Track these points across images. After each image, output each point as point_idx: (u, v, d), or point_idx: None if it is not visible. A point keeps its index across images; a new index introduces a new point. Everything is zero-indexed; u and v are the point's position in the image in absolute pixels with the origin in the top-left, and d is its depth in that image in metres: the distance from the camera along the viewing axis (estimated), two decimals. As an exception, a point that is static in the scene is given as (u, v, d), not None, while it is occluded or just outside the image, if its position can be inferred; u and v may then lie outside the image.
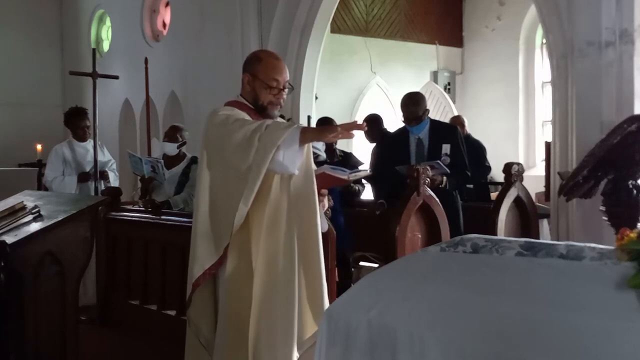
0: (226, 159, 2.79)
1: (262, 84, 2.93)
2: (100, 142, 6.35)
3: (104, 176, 6.09)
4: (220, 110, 2.92)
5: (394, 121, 8.02)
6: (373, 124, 5.77)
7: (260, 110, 2.95)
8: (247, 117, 2.87)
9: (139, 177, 5.66)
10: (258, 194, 2.73)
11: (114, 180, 6.18)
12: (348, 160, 5.51)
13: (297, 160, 2.72)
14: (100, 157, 6.12)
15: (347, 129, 2.68)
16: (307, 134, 2.71)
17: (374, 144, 6.02)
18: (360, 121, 5.84)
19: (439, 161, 4.56)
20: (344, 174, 2.96)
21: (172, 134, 5.57)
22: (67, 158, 6.08)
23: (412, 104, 4.76)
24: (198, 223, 2.89)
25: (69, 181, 5.97)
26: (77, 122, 6.13)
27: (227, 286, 2.82)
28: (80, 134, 6.13)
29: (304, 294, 2.83)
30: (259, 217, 2.79)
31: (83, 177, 6.02)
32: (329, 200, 3.24)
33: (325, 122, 5.61)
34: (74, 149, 6.12)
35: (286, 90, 2.98)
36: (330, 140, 2.93)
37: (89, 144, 6.16)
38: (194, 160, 5.49)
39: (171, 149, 5.51)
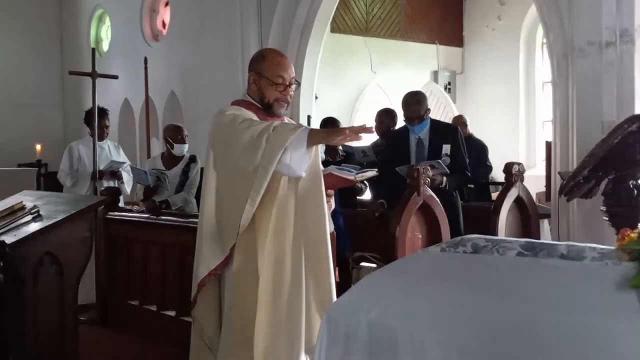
0: (233, 160, 2.79)
1: (268, 82, 2.92)
2: (117, 142, 6.66)
3: (117, 176, 6.19)
4: (228, 110, 2.91)
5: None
6: (388, 118, 5.77)
7: (267, 108, 2.94)
8: (255, 117, 2.87)
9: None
10: (265, 195, 2.73)
11: (127, 181, 6.27)
12: (351, 160, 5.50)
13: (305, 162, 2.72)
14: (115, 158, 6.34)
15: (356, 132, 2.68)
16: (315, 136, 2.71)
17: (373, 141, 6.00)
18: (374, 114, 5.88)
19: (439, 161, 4.54)
20: (350, 174, 2.94)
21: (181, 135, 5.59)
22: (82, 155, 6.26)
23: (414, 102, 4.74)
24: (204, 223, 2.88)
25: (82, 181, 6.16)
26: (97, 121, 6.24)
27: (232, 287, 2.82)
28: (99, 133, 6.26)
29: (312, 298, 2.81)
30: (266, 218, 2.78)
31: (96, 175, 6.14)
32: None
33: (330, 122, 5.59)
34: (90, 146, 6.22)
35: (293, 86, 2.97)
36: (338, 143, 2.93)
37: (105, 143, 6.39)
38: (192, 159, 5.56)
39: (182, 150, 5.58)
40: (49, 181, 8.85)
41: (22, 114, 11.02)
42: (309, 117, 7.30)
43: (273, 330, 2.76)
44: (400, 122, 5.34)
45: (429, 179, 4.29)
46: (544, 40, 9.11)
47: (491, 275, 1.93)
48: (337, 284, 3.39)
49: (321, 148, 4.66)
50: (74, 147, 6.38)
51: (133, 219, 5.21)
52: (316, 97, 7.91)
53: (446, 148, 4.66)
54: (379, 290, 2.08)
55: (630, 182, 3.28)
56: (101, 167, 6.18)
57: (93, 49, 6.94)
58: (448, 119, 7.99)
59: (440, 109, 9.96)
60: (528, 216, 5.15)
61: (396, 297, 2.01)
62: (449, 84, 10.89)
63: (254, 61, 3.02)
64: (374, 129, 2.75)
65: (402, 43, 10.49)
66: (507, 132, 10.13)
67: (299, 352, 2.75)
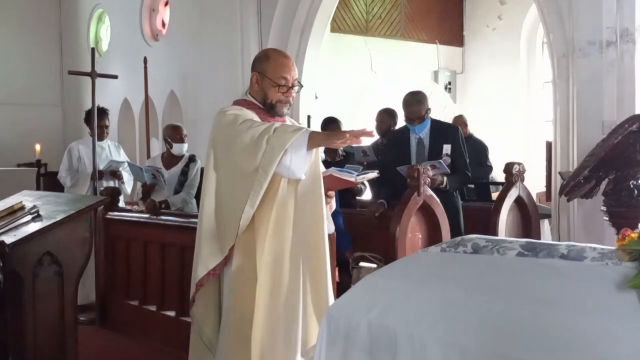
0: (233, 160, 2.79)
1: (270, 83, 2.91)
2: (117, 142, 6.72)
3: (117, 176, 6.21)
4: (229, 110, 2.90)
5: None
6: (389, 118, 5.76)
7: (269, 109, 2.94)
8: (256, 117, 2.87)
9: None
10: (265, 196, 2.73)
11: (127, 181, 6.30)
12: (351, 159, 5.49)
13: (304, 165, 2.72)
14: (116, 158, 6.36)
15: (356, 135, 2.67)
16: (315, 139, 2.70)
17: (374, 141, 6.00)
18: (375, 114, 5.86)
19: (440, 161, 4.54)
20: (351, 176, 2.93)
21: (180, 135, 5.60)
22: (82, 155, 6.30)
23: (415, 102, 4.73)
24: (203, 223, 2.88)
25: (82, 181, 6.21)
26: (97, 120, 6.25)
27: (230, 287, 2.82)
28: (99, 133, 6.28)
29: (309, 299, 2.80)
30: (265, 219, 2.78)
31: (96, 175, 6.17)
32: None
33: (332, 122, 5.59)
34: (89, 146, 6.23)
35: (295, 88, 2.97)
36: (338, 146, 2.92)
37: (105, 143, 6.43)
38: (192, 159, 5.57)
39: (181, 149, 5.59)
40: (48, 181, 8.84)
41: (21, 114, 11.00)
42: (309, 117, 7.30)
43: (270, 331, 2.76)
44: (401, 122, 5.33)
45: (429, 179, 4.29)
46: (545, 40, 9.12)
47: (491, 275, 1.93)
48: (337, 284, 3.39)
49: (321, 148, 4.66)
50: (73, 147, 6.42)
51: (133, 219, 5.21)
52: (316, 97, 7.90)
53: (447, 148, 4.65)
54: (379, 290, 2.08)
55: (631, 182, 3.28)
56: (101, 167, 6.20)
57: (92, 49, 6.92)
58: (448, 119, 7.97)
59: (440, 109, 9.95)
60: (528, 216, 5.15)
61: (396, 297, 2.01)
62: (449, 83, 10.88)
63: (257, 61, 3.01)
64: (374, 132, 2.74)
65: (402, 43, 10.48)
66: (507, 132, 10.12)
67: (295, 353, 2.74)
